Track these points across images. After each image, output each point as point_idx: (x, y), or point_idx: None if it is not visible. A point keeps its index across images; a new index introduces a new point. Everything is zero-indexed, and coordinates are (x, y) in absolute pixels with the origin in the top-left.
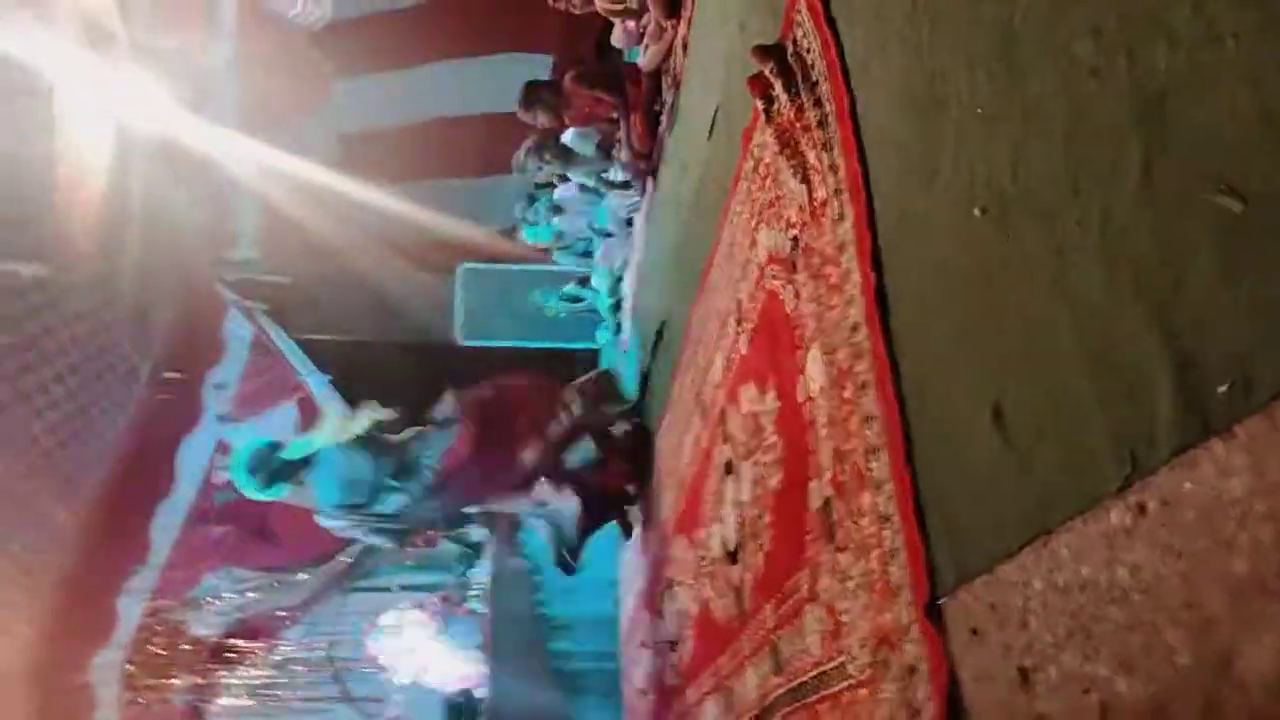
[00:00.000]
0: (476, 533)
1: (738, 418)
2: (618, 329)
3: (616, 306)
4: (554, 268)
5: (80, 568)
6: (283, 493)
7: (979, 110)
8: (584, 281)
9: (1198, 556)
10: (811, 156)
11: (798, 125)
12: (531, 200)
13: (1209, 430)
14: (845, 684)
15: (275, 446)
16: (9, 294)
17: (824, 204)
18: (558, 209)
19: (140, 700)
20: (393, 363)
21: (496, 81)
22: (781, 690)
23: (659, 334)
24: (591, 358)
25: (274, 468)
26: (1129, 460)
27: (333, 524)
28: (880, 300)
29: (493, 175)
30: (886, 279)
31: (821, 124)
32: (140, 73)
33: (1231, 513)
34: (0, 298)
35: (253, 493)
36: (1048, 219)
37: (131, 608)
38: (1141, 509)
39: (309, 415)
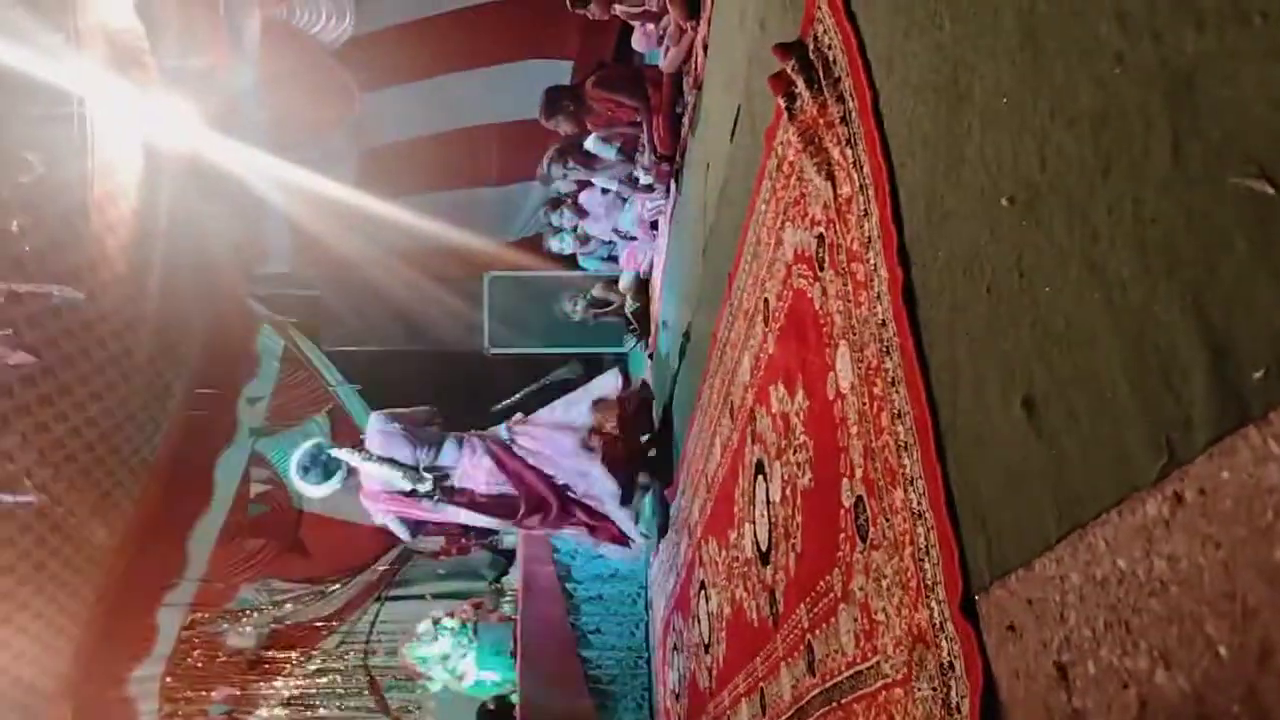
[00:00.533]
0: (508, 540)
1: (767, 418)
2: (644, 332)
3: (643, 310)
4: (579, 274)
5: (119, 583)
6: (338, 483)
7: (1004, 100)
8: (610, 286)
9: (1236, 546)
10: (835, 153)
11: (821, 122)
12: (556, 205)
13: (1245, 417)
14: (880, 683)
15: (320, 446)
16: (43, 315)
17: (849, 200)
18: (582, 213)
19: (179, 713)
20: (421, 372)
21: (517, 89)
22: (816, 691)
23: (686, 336)
24: (618, 363)
25: (325, 463)
26: (1165, 449)
27: (375, 507)
28: (908, 295)
29: (517, 183)
30: (914, 274)
31: (845, 120)
32: (168, 94)
33: (1269, 500)
34: (34, 319)
35: (312, 488)
36: (1077, 206)
37: (170, 621)
38: (1179, 499)
39: (340, 426)
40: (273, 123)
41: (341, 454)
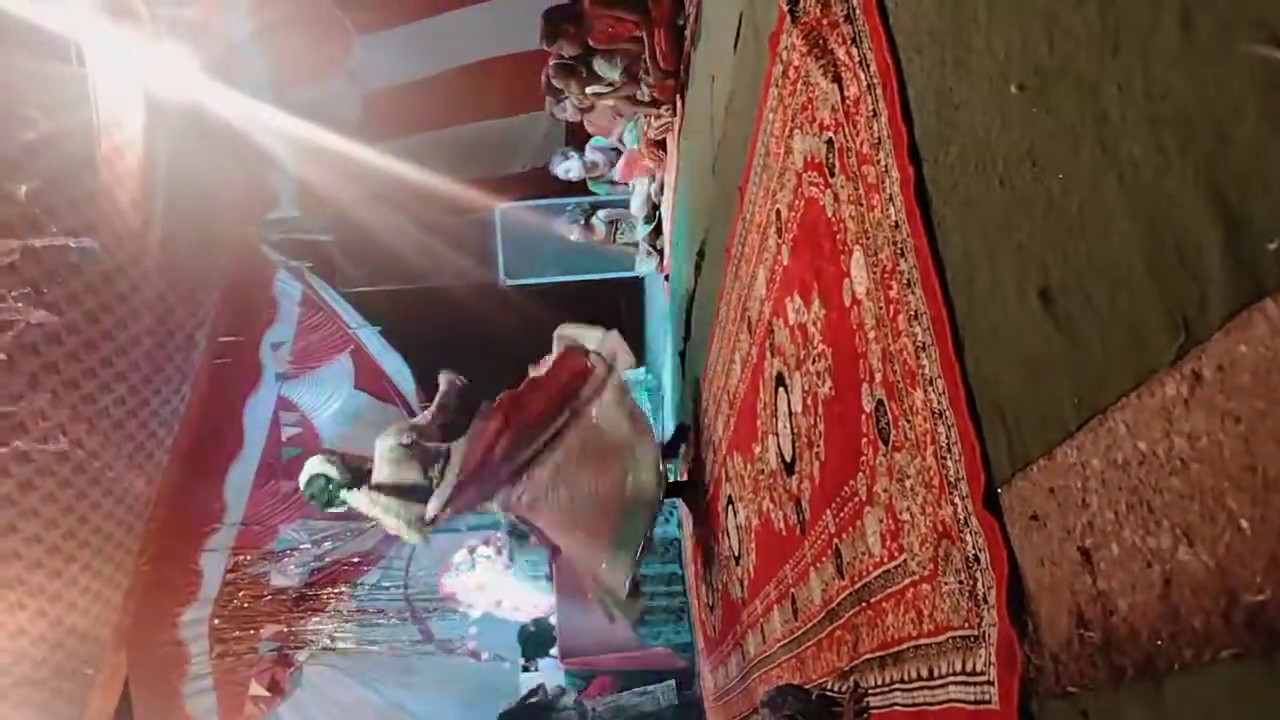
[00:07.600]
0: None
1: (785, 330)
2: (659, 255)
3: (656, 231)
4: (589, 199)
5: (161, 531)
6: (350, 502)
7: None
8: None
9: (1256, 419)
10: (841, 53)
11: (824, 22)
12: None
13: (1261, 290)
14: (908, 581)
15: (328, 479)
16: (63, 270)
17: (857, 101)
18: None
19: (229, 652)
20: (438, 309)
21: (518, 19)
22: (846, 593)
23: (700, 254)
24: (635, 285)
25: (330, 496)
26: (1182, 328)
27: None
28: (920, 194)
29: (523, 114)
30: (925, 171)
31: (849, 18)
32: (166, 43)
33: None
34: (55, 275)
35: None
36: (1088, 86)
37: (214, 565)
38: (1197, 377)
39: (363, 367)
40: (273, 68)
41: (353, 498)
